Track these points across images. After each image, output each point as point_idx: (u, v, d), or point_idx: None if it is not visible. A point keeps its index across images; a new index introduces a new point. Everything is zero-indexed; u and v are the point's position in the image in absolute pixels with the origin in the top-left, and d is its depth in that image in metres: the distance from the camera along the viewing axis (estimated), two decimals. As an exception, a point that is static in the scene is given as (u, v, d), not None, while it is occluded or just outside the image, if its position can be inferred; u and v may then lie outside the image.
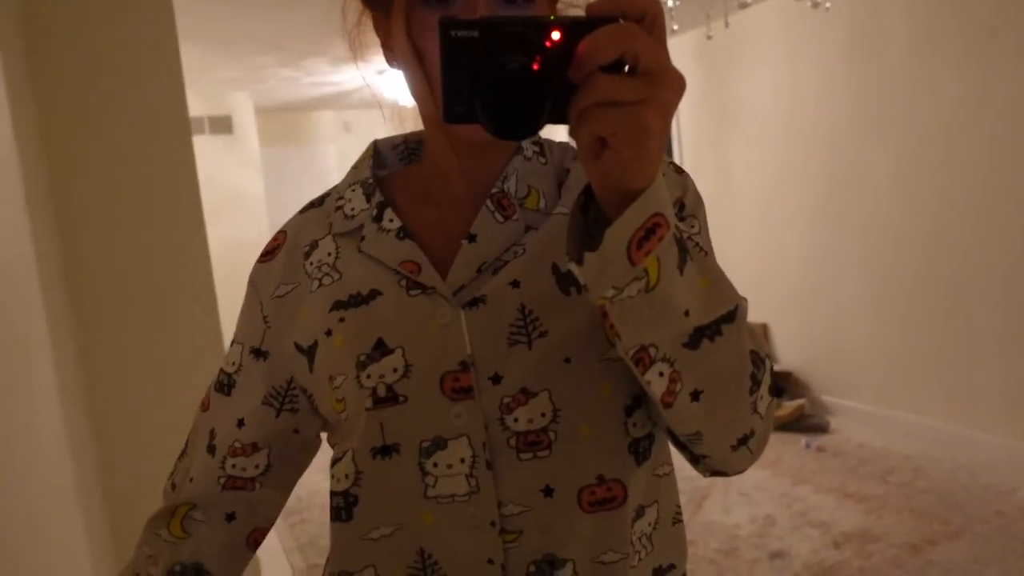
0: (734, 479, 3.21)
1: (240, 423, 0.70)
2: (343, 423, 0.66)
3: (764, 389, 0.57)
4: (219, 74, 4.44)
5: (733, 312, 0.53)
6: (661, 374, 0.52)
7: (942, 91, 3.22)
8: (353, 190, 0.69)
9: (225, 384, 0.73)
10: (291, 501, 3.58)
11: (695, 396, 0.54)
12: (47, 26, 2.27)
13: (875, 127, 3.53)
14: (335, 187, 0.73)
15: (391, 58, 0.67)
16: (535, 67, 0.42)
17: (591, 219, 0.50)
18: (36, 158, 2.14)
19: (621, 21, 0.43)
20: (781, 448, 3.54)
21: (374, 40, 0.70)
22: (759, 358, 0.57)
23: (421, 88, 0.61)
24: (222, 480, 0.71)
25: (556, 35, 0.43)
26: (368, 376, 0.61)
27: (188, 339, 2.44)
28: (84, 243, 2.34)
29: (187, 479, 0.73)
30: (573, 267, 0.48)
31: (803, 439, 3.60)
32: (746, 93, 4.20)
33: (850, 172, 3.68)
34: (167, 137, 2.43)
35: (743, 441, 0.58)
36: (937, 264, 3.35)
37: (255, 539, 0.74)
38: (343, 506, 0.65)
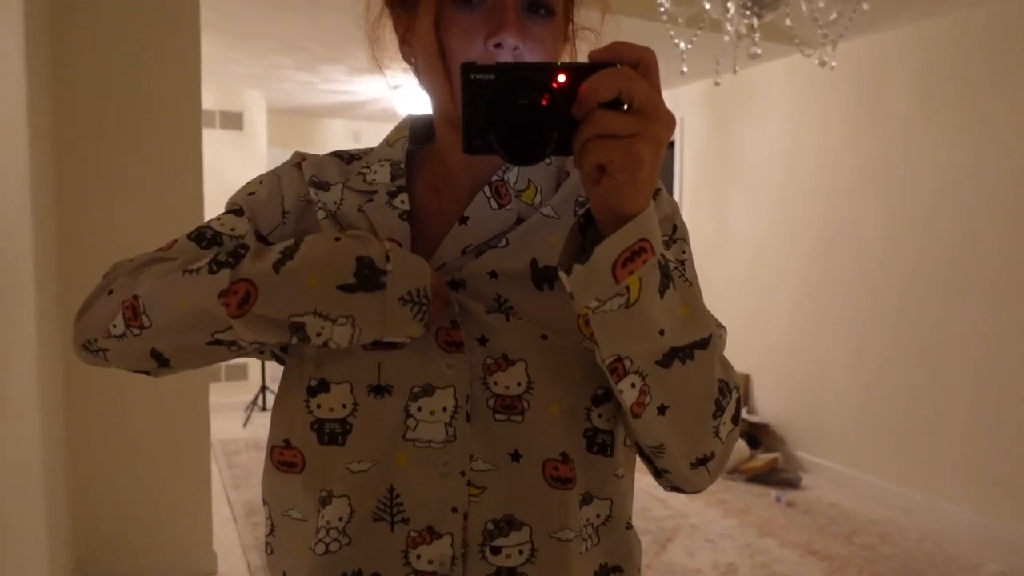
0: (701, 525, 3.20)
1: None
2: (317, 348, 0.65)
3: (727, 416, 0.61)
4: (236, 69, 4.49)
5: (707, 340, 0.58)
6: (633, 385, 0.56)
7: (938, 163, 3.29)
8: (381, 165, 0.72)
9: (207, 238, 0.69)
10: (255, 500, 3.51)
11: (661, 410, 0.58)
12: (75, 4, 2.31)
13: (870, 192, 3.59)
14: (365, 154, 0.75)
15: (409, 54, 0.71)
16: (543, 103, 0.50)
17: (588, 240, 0.56)
18: (46, 128, 2.16)
19: (619, 66, 0.49)
20: (751, 499, 3.54)
21: (392, 45, 0.73)
22: (727, 387, 0.61)
23: (440, 83, 0.65)
24: None
25: (562, 77, 0.50)
26: None
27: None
28: (80, 218, 2.35)
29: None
30: (562, 276, 0.52)
31: (774, 492, 3.60)
32: (750, 145, 4.28)
33: (842, 234, 3.74)
34: (178, 125, 2.46)
35: (703, 461, 0.62)
36: (916, 335, 3.40)
37: None
38: (339, 432, 0.65)
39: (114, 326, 0.65)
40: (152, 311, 0.63)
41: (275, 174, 0.74)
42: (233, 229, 0.70)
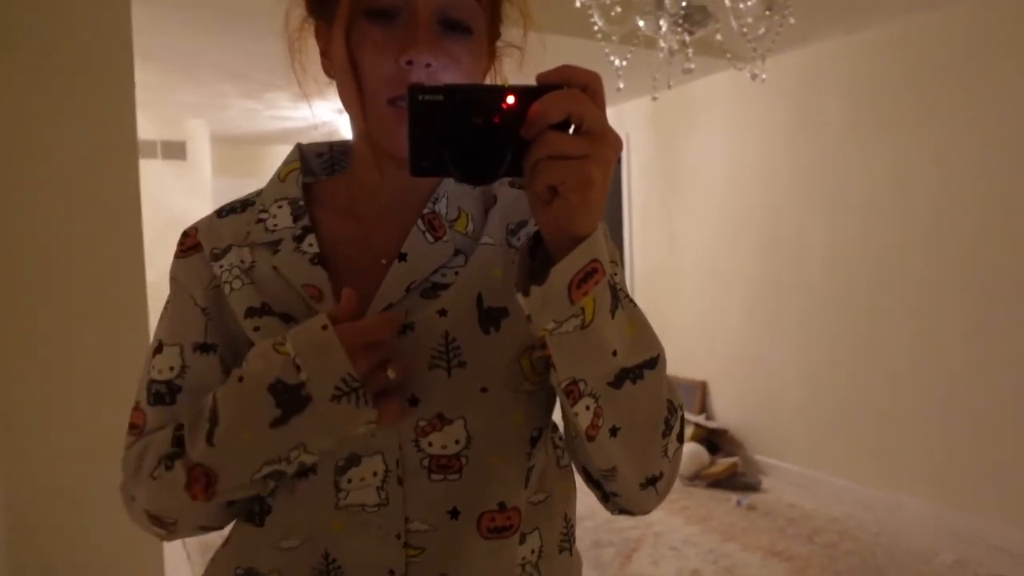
0: (665, 533, 3.22)
1: None
2: None
3: (674, 435, 0.62)
4: (179, 98, 4.42)
5: (655, 359, 0.59)
6: (587, 408, 0.56)
7: (869, 171, 3.42)
8: (279, 206, 0.68)
9: (164, 394, 0.66)
10: (209, 537, 3.46)
11: (613, 432, 0.58)
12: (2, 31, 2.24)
13: (810, 200, 3.70)
14: (259, 195, 0.71)
15: (329, 67, 0.69)
16: (496, 122, 0.50)
17: (537, 263, 0.55)
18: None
19: (566, 88, 0.50)
20: (712, 505, 3.58)
21: (315, 58, 0.71)
22: (673, 406, 0.62)
23: (353, 99, 0.63)
24: None
25: (511, 99, 0.50)
26: None
27: (118, 363, 2.37)
28: (13, 252, 2.27)
29: None
30: (520, 299, 0.52)
31: (735, 497, 3.64)
32: (694, 158, 4.37)
33: (787, 240, 3.84)
34: (112, 157, 2.40)
35: (652, 481, 0.63)
36: (859, 336, 3.49)
37: None
38: (257, 512, 0.65)
39: (158, 531, 0.68)
40: (163, 517, 0.66)
41: (173, 279, 0.70)
42: (172, 368, 0.67)
